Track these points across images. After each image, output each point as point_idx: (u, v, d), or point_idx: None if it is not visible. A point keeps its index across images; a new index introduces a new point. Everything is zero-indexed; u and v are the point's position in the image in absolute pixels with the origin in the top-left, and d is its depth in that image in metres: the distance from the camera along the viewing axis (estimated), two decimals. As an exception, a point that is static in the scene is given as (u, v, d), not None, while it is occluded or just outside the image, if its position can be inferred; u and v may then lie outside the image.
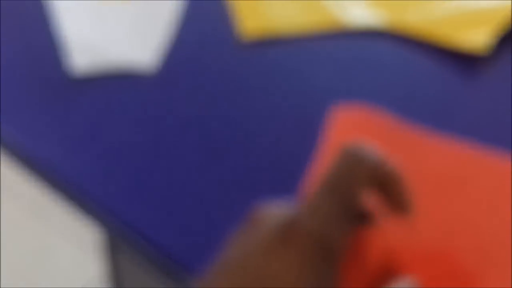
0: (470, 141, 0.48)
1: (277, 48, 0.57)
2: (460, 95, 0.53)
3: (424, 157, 0.47)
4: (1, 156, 0.53)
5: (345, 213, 0.32)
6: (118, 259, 0.86)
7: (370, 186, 0.34)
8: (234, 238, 0.34)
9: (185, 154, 0.49)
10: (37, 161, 0.49)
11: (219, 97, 0.53)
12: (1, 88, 0.54)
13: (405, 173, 0.45)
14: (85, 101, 0.53)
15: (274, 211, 0.33)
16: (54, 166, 0.48)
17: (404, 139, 0.48)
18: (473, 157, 0.47)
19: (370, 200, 0.37)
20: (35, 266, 1.42)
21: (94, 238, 1.47)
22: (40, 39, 0.58)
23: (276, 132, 0.50)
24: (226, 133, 0.50)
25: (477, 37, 0.56)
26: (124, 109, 0.52)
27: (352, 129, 0.49)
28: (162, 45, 0.58)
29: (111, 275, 0.90)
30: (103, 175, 0.48)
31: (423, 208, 0.43)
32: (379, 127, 0.49)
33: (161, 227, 0.45)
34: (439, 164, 0.46)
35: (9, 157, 0.51)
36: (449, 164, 0.46)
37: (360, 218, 0.36)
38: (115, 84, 0.54)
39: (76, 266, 1.42)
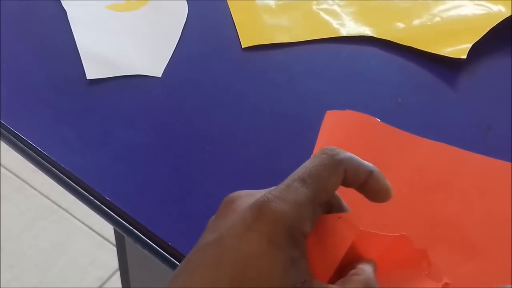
0: (454, 143, 0.50)
1: (274, 54, 0.60)
2: (444, 99, 0.55)
3: (410, 156, 0.49)
4: (17, 154, 0.54)
5: (314, 202, 0.32)
6: (128, 256, 0.87)
7: (344, 184, 0.34)
8: (209, 223, 0.34)
9: (192, 155, 0.50)
10: (51, 159, 0.51)
11: (222, 102, 0.55)
12: (16, 91, 0.56)
13: (391, 172, 0.47)
14: (97, 104, 0.55)
15: (245, 197, 0.33)
16: (68, 165, 0.50)
17: (392, 140, 0.50)
18: (456, 156, 0.49)
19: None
20: (51, 261, 1.43)
21: (108, 235, 1.48)
22: (56, 46, 0.61)
23: (276, 132, 0.52)
24: (229, 133, 0.52)
25: (458, 44, 0.58)
26: (134, 112, 0.54)
27: (344, 132, 0.51)
28: (169, 53, 0.59)
29: (122, 271, 0.91)
30: (113, 174, 0.49)
31: (407, 203, 0.45)
32: (368, 129, 0.51)
33: (169, 224, 0.46)
34: (425, 162, 0.48)
35: (25, 156, 0.53)
36: (434, 162, 0.48)
37: (328, 206, 0.36)
38: (126, 89, 0.56)
39: (90, 262, 1.43)
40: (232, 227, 0.32)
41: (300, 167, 0.34)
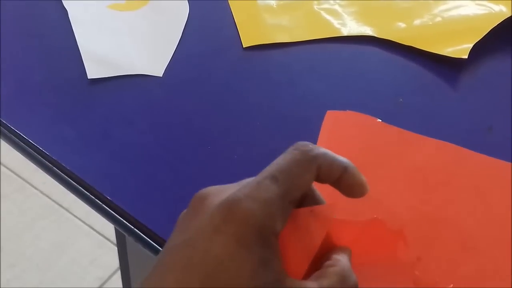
0: (454, 143, 0.50)
1: (275, 54, 0.60)
2: (445, 99, 0.55)
3: (410, 155, 0.49)
4: (18, 154, 0.54)
5: (285, 200, 0.32)
6: (129, 255, 0.87)
7: (318, 180, 0.33)
8: (179, 221, 0.34)
9: (193, 154, 0.50)
10: (52, 159, 0.51)
11: (223, 102, 0.55)
12: (17, 91, 0.56)
13: (392, 171, 0.47)
14: (97, 104, 0.55)
15: (216, 194, 0.33)
16: (68, 164, 0.50)
17: (392, 140, 0.50)
18: (457, 154, 0.49)
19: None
20: (51, 261, 1.43)
21: (108, 234, 1.48)
22: (57, 45, 0.61)
23: (277, 132, 0.52)
24: (230, 133, 0.52)
25: (459, 44, 0.58)
26: (135, 111, 0.54)
27: (344, 132, 0.51)
28: (170, 53, 0.59)
29: (122, 271, 0.92)
30: (114, 173, 0.49)
31: (407, 202, 0.45)
32: (368, 129, 0.51)
33: (170, 224, 0.45)
34: (425, 161, 0.48)
35: (26, 155, 0.53)
36: (434, 161, 0.48)
37: (302, 198, 0.35)
38: (127, 88, 0.56)
39: (91, 261, 1.43)
40: (201, 228, 0.31)
41: (272, 162, 0.33)
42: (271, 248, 0.31)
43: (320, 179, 0.34)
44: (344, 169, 0.34)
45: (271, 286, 0.30)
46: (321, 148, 0.34)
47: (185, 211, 0.34)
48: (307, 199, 0.36)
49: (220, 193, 0.33)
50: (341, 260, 0.34)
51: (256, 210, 0.31)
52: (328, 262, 0.33)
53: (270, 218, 0.31)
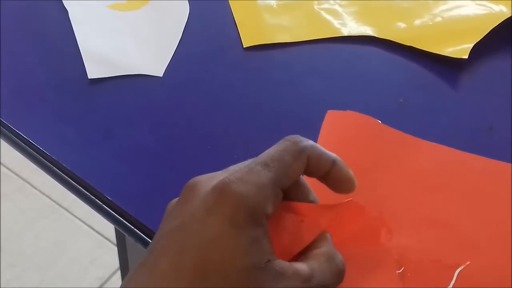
0: (455, 143, 0.50)
1: (276, 54, 0.60)
2: (445, 99, 0.55)
3: (410, 158, 0.49)
4: (18, 154, 0.54)
5: (275, 185, 0.32)
6: (129, 255, 0.87)
7: (307, 173, 0.34)
8: (169, 210, 0.34)
9: (193, 154, 0.50)
10: (52, 158, 0.51)
11: (223, 102, 0.55)
12: (17, 91, 0.56)
13: (391, 173, 0.48)
14: (98, 103, 0.55)
15: (206, 181, 0.33)
16: (69, 164, 0.50)
17: (392, 142, 0.50)
18: (456, 158, 0.49)
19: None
20: (51, 261, 1.43)
21: (108, 234, 1.48)
22: (58, 45, 0.61)
23: (277, 132, 0.51)
24: (230, 133, 0.52)
25: (459, 44, 0.58)
26: (135, 111, 0.54)
27: (345, 132, 0.51)
28: (170, 53, 0.59)
29: (122, 271, 0.92)
30: (115, 173, 0.49)
31: (407, 204, 0.45)
32: (369, 130, 0.51)
33: None
34: (425, 164, 0.48)
35: (26, 155, 0.53)
36: (434, 164, 0.48)
37: (290, 190, 0.35)
38: (127, 88, 0.56)
39: (91, 261, 1.43)
40: (194, 211, 0.32)
41: (263, 153, 0.34)
42: (263, 229, 0.31)
43: (309, 171, 0.34)
44: (333, 162, 0.35)
45: (263, 265, 0.31)
46: (310, 140, 0.35)
47: (175, 199, 0.35)
48: (297, 189, 0.36)
49: (210, 179, 0.33)
50: (324, 241, 0.34)
51: (248, 192, 0.31)
52: (312, 245, 0.34)
53: (261, 200, 0.31)
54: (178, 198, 0.34)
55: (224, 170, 0.34)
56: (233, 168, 0.34)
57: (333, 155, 0.35)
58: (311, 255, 0.33)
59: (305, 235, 0.34)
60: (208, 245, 0.30)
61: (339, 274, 0.33)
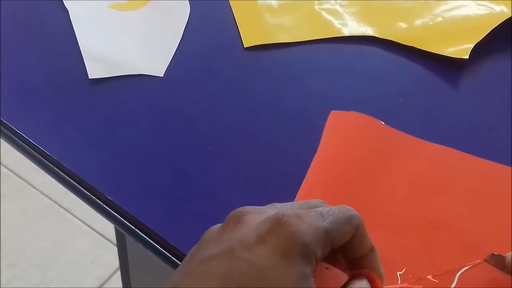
0: (455, 143, 0.50)
1: (276, 54, 0.60)
2: (446, 99, 0.55)
3: (412, 159, 0.49)
4: (18, 153, 0.54)
5: (328, 236, 0.32)
6: (129, 255, 0.87)
7: (345, 251, 0.34)
8: (210, 236, 0.34)
9: (194, 154, 0.50)
10: (52, 158, 0.51)
11: (224, 102, 0.55)
12: (18, 90, 0.56)
13: (393, 174, 0.47)
14: (98, 103, 0.55)
15: (256, 213, 0.33)
16: (69, 164, 0.50)
17: (395, 143, 0.50)
18: (458, 159, 0.49)
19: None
20: (51, 261, 1.42)
21: (108, 234, 1.48)
22: (58, 45, 0.61)
23: (278, 132, 0.52)
24: (231, 133, 0.52)
25: (460, 44, 0.58)
26: (136, 111, 0.54)
27: (348, 133, 0.51)
28: (171, 53, 0.59)
29: (122, 270, 0.92)
30: (115, 173, 0.49)
31: (409, 205, 0.45)
32: (372, 131, 0.51)
33: (171, 224, 0.46)
34: (427, 165, 0.48)
35: (26, 155, 0.53)
36: (436, 165, 0.48)
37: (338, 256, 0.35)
38: (127, 88, 0.56)
39: (91, 261, 1.43)
40: (243, 238, 0.31)
41: (310, 202, 0.34)
42: (311, 268, 0.31)
43: (349, 245, 0.34)
44: (372, 248, 0.34)
45: None
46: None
47: (215, 226, 0.34)
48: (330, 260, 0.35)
49: (260, 212, 0.33)
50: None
51: (304, 229, 0.31)
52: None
53: (314, 241, 0.31)
54: (220, 224, 0.34)
55: (270, 205, 0.34)
56: (280, 205, 0.34)
57: (371, 243, 0.34)
58: None
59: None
60: (256, 273, 0.30)
61: None
